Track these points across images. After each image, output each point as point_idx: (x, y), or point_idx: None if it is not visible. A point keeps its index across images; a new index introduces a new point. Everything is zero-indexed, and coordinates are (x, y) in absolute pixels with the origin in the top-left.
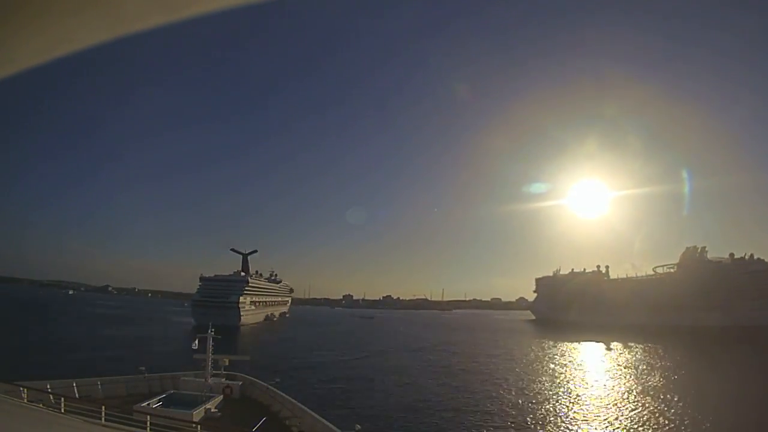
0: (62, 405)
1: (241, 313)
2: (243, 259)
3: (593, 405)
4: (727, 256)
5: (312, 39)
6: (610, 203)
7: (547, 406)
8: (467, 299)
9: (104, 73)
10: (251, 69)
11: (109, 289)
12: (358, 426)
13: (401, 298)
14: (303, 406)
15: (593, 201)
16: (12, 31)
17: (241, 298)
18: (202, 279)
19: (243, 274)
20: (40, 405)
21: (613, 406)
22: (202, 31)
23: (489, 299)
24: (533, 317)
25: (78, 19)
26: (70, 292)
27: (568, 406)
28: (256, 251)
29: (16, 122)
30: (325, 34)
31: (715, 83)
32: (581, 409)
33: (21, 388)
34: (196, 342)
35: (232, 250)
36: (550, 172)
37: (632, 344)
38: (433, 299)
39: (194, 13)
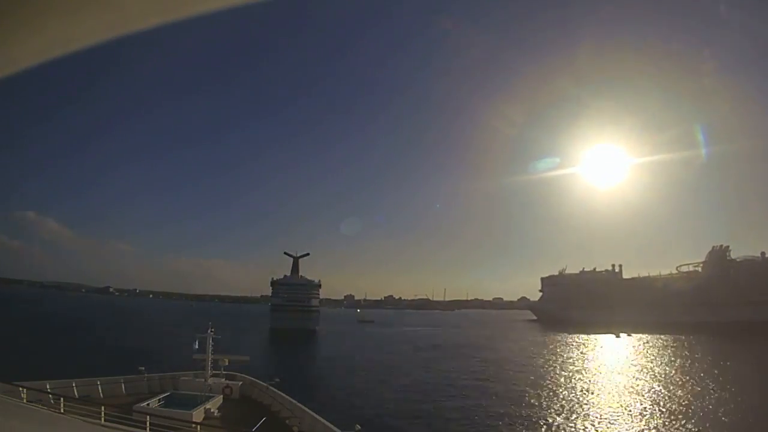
0: (62, 405)
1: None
2: (294, 262)
3: None
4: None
5: (309, 45)
6: (626, 173)
7: None
8: (469, 299)
9: (115, 76)
10: (248, 78)
11: (110, 290)
12: (358, 426)
13: (403, 298)
14: (303, 406)
15: (605, 172)
16: (11, 31)
17: (316, 301)
18: (275, 283)
19: (302, 276)
20: (40, 405)
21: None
22: (208, 39)
23: (491, 299)
24: (534, 317)
25: (78, 18)
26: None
27: None
28: (308, 254)
29: (18, 123)
30: (324, 38)
31: (737, 43)
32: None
33: (20, 388)
34: (197, 343)
35: (285, 253)
36: (560, 147)
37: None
38: (435, 299)
39: (194, 12)
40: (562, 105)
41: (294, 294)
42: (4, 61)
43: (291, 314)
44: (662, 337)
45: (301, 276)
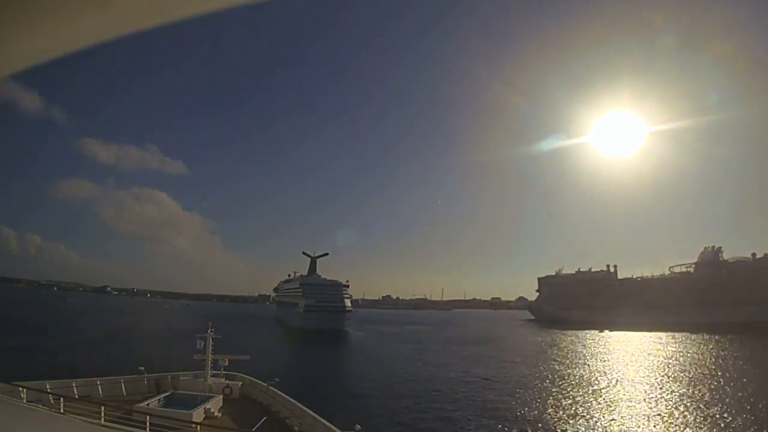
0: (62, 405)
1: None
2: (311, 261)
3: None
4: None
5: (298, 34)
6: (638, 143)
7: None
8: (467, 299)
9: (98, 68)
10: (235, 66)
11: (108, 289)
12: (358, 426)
13: (401, 298)
14: (303, 406)
15: (616, 142)
16: (11, 30)
17: (349, 302)
18: (303, 284)
19: (318, 275)
20: (40, 405)
21: None
22: (191, 30)
23: (489, 299)
24: (532, 317)
25: (78, 18)
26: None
27: None
28: (326, 254)
29: (17, 121)
30: (311, 28)
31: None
32: None
33: (20, 389)
34: (200, 342)
35: (304, 253)
36: (570, 115)
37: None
38: (432, 299)
39: (194, 12)
40: (574, 70)
41: (327, 295)
42: (5, 60)
43: (326, 315)
44: (647, 334)
45: (316, 275)
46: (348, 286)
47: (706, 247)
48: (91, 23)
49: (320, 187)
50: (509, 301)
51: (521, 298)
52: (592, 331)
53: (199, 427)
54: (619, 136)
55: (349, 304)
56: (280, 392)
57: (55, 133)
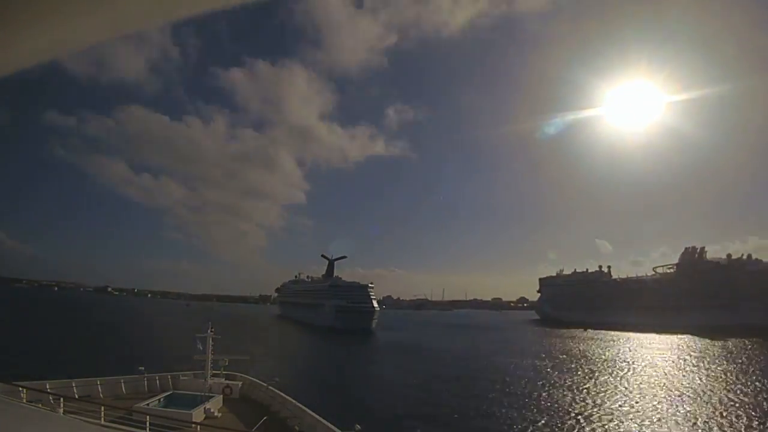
0: (61, 405)
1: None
2: (329, 264)
3: None
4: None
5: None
6: (655, 115)
7: None
8: (468, 299)
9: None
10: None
11: (109, 289)
12: (358, 426)
13: (402, 299)
14: (303, 406)
15: (632, 116)
16: (11, 30)
17: (375, 303)
18: (333, 285)
19: (338, 277)
20: (40, 405)
21: None
22: None
23: (490, 299)
24: (537, 317)
25: (78, 18)
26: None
27: None
28: (345, 257)
29: (19, 121)
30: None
31: None
32: None
33: (20, 388)
34: (200, 343)
35: (323, 256)
36: (578, 100)
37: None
38: (433, 299)
39: (194, 12)
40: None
41: (356, 296)
42: (5, 60)
43: (356, 315)
44: (632, 335)
45: (337, 276)
46: (373, 287)
47: (686, 248)
48: (91, 23)
49: (318, 189)
50: (510, 302)
51: (522, 298)
52: (576, 330)
53: (199, 427)
54: (633, 109)
55: (376, 305)
56: (280, 392)
57: None
